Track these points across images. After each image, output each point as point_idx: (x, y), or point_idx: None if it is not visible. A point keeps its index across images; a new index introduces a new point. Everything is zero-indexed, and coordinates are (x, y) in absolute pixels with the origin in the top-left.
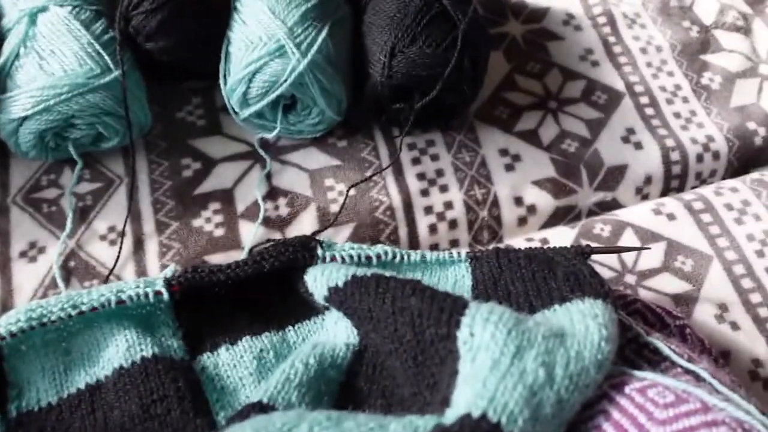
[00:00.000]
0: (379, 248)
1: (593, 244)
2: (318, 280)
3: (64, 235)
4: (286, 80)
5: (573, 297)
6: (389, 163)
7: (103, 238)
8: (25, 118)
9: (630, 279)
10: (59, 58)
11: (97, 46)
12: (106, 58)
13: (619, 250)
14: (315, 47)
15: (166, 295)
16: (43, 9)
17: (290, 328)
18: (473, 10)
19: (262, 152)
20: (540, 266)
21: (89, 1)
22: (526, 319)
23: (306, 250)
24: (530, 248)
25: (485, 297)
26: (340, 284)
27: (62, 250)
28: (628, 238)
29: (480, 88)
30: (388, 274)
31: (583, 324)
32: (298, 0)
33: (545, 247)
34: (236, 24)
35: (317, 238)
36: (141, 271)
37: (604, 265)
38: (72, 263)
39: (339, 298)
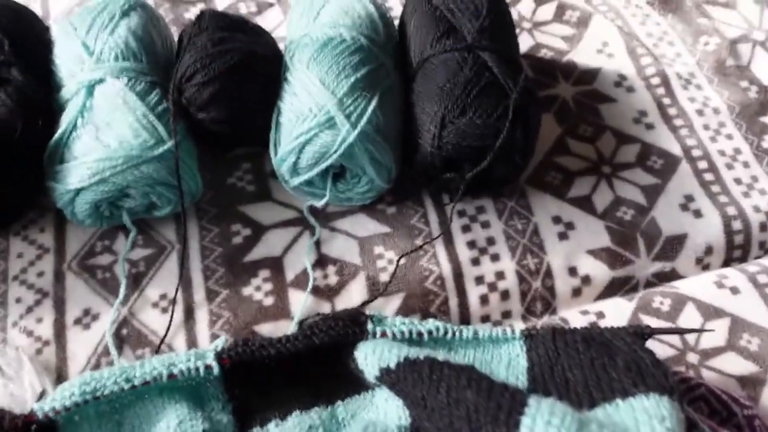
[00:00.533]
0: (431, 324)
1: (652, 321)
2: (369, 359)
3: (117, 303)
4: (336, 151)
5: (636, 391)
6: (440, 232)
7: (155, 305)
8: (81, 189)
9: (692, 358)
10: (115, 130)
11: (152, 118)
12: (160, 129)
13: (681, 332)
14: (365, 118)
15: (216, 369)
16: (100, 81)
17: (340, 403)
18: (524, 78)
19: (311, 219)
20: (599, 352)
21: (144, 72)
22: (588, 421)
23: (356, 325)
24: (587, 329)
25: (542, 383)
26: (392, 366)
27: (115, 317)
28: (690, 314)
29: (531, 157)
30: (441, 357)
31: (648, 427)
32: (347, 71)
33: (602, 326)
34: (287, 95)
35: (366, 311)
36: (191, 341)
37: (665, 342)
38: (125, 331)
39: (391, 379)
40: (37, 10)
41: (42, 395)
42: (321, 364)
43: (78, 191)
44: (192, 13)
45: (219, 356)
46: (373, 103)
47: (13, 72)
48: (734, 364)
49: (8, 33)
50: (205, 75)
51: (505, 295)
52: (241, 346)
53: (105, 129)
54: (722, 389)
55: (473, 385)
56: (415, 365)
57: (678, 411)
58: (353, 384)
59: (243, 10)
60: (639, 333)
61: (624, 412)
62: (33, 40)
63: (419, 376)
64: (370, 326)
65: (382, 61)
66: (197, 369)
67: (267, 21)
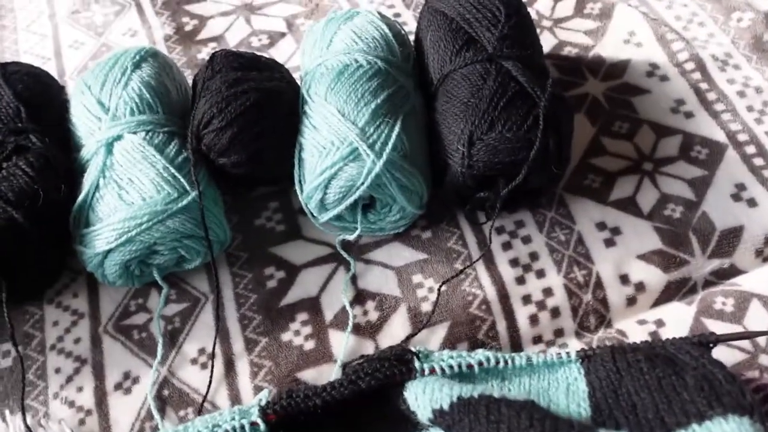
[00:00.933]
0: (480, 355)
1: (716, 324)
2: (420, 399)
3: (156, 363)
4: (363, 183)
5: (713, 413)
6: (479, 253)
7: (194, 361)
8: (109, 251)
9: (765, 360)
10: (137, 186)
11: (173, 170)
12: (182, 180)
13: (750, 336)
14: (389, 145)
15: (262, 426)
16: (119, 137)
17: None
18: (551, 83)
19: (344, 254)
20: (665, 371)
21: (162, 123)
22: None
23: (402, 364)
24: (649, 344)
25: (607, 410)
26: (446, 407)
27: (155, 378)
28: (756, 312)
29: (568, 164)
30: (497, 394)
31: None
32: (366, 97)
33: (663, 339)
34: (307, 129)
35: (411, 346)
36: (234, 395)
37: (733, 346)
38: (166, 392)
39: (446, 422)
40: (52, 68)
41: None
42: (369, 405)
43: (106, 253)
44: (205, 53)
45: (264, 412)
46: (396, 128)
47: (32, 138)
48: None
49: (25, 99)
50: (222, 119)
51: (555, 312)
52: (286, 399)
53: (128, 186)
54: None
55: (536, 426)
56: (470, 405)
57: None
58: (403, 426)
59: (255, 43)
60: (704, 342)
61: None
62: (50, 103)
63: (476, 417)
64: (417, 364)
65: (401, 82)
66: (243, 427)
67: (280, 52)
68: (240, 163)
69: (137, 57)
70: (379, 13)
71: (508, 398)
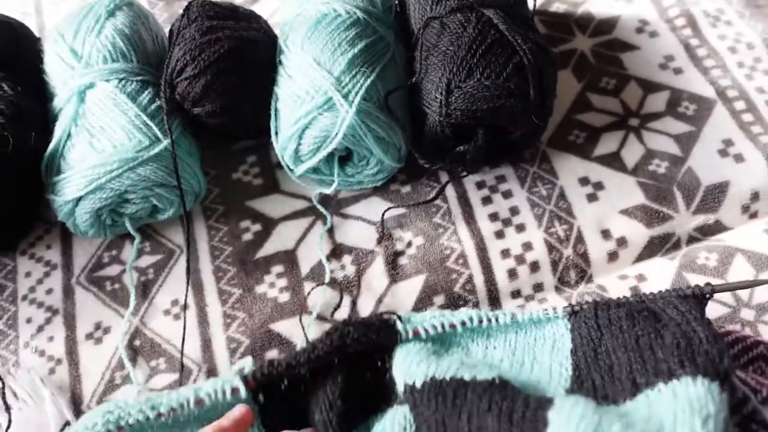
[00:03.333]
0: (463, 314)
1: (699, 278)
2: (398, 368)
3: (128, 314)
4: (337, 134)
5: (682, 373)
6: (459, 207)
7: (166, 312)
8: (80, 199)
9: (747, 314)
10: (108, 134)
11: (145, 118)
12: (155, 128)
13: (746, 285)
14: (359, 95)
15: (243, 392)
16: (91, 86)
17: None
18: (533, 31)
19: (321, 208)
20: (645, 328)
21: (135, 72)
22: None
23: (386, 328)
24: (637, 298)
25: (586, 369)
26: (418, 384)
27: (127, 328)
28: (740, 267)
29: (550, 115)
30: (468, 376)
31: (687, 427)
32: (343, 47)
33: (655, 292)
34: (282, 79)
35: (395, 312)
36: (206, 345)
37: (716, 300)
38: (137, 342)
39: (414, 399)
40: (32, 24)
41: (65, 426)
42: (352, 369)
43: (77, 201)
44: None
45: (245, 379)
46: (371, 78)
47: (4, 87)
48: None
49: None
50: (195, 67)
51: (534, 266)
52: (267, 368)
53: (99, 134)
54: None
55: (494, 409)
56: (441, 387)
57: (725, 405)
58: (381, 394)
59: (238, 0)
60: (698, 294)
61: (665, 399)
62: (24, 53)
63: (443, 399)
64: (400, 326)
65: (381, 33)
66: (224, 392)
67: (263, 8)
68: (215, 112)
69: (111, 5)
70: None
71: (478, 379)
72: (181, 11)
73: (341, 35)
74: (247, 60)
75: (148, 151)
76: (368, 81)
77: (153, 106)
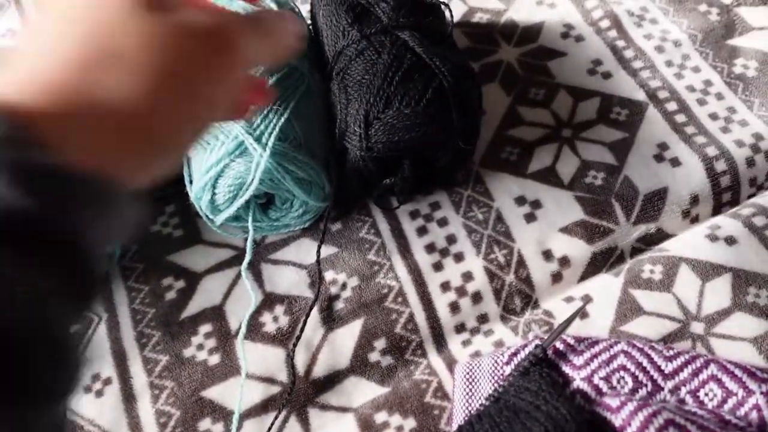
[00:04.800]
0: None
1: (644, 295)
2: None
3: None
4: (252, 180)
5: None
6: (393, 240)
7: (87, 390)
8: None
9: (697, 328)
10: None
11: None
12: None
13: (570, 320)
14: (276, 135)
15: None
16: None
17: None
18: (453, 50)
19: (246, 259)
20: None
21: None
22: None
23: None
24: (492, 398)
25: None
26: None
27: None
28: (686, 278)
29: (477, 137)
30: None
31: None
32: None
33: (503, 384)
34: None
35: (313, 350)
36: (134, 423)
37: (663, 315)
38: None
39: None
40: None
41: None
42: None
43: None
44: None
45: None
46: (285, 115)
47: None
48: (744, 326)
49: None
50: None
51: (476, 297)
52: None
53: None
54: (736, 363)
55: None
56: None
57: None
58: None
59: None
60: (536, 362)
61: None
62: None
63: None
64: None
65: (293, 64)
66: None
67: None
68: None
69: None
70: None
71: None
72: None
73: None
74: None
75: None
76: (282, 119)
77: None
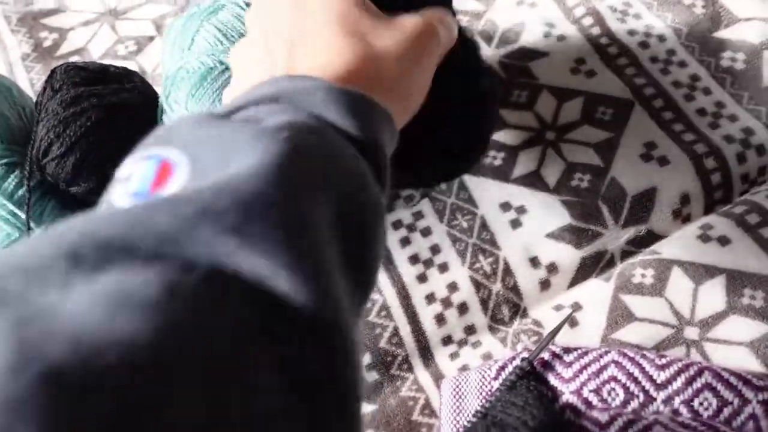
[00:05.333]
0: None
1: (636, 300)
2: None
3: None
4: None
5: None
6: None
7: None
8: None
9: (691, 333)
10: None
11: (11, 206)
12: (23, 216)
13: (555, 332)
14: None
15: None
16: None
17: None
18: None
19: None
20: None
21: None
22: None
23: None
24: (479, 415)
25: None
26: None
27: None
28: (678, 281)
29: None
30: None
31: None
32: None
33: (490, 400)
34: None
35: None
36: None
37: (655, 321)
38: None
39: None
40: None
41: None
42: None
43: None
44: None
45: None
46: None
47: None
48: (740, 329)
49: None
50: (61, 145)
51: (462, 308)
52: None
53: None
54: (731, 370)
55: None
56: None
57: None
58: None
59: (122, 51)
60: (522, 375)
61: None
62: None
63: None
64: None
65: None
66: None
67: (149, 57)
68: (93, 190)
69: None
70: (247, 5)
71: None
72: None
73: None
74: (122, 127)
75: None
76: None
77: (21, 191)
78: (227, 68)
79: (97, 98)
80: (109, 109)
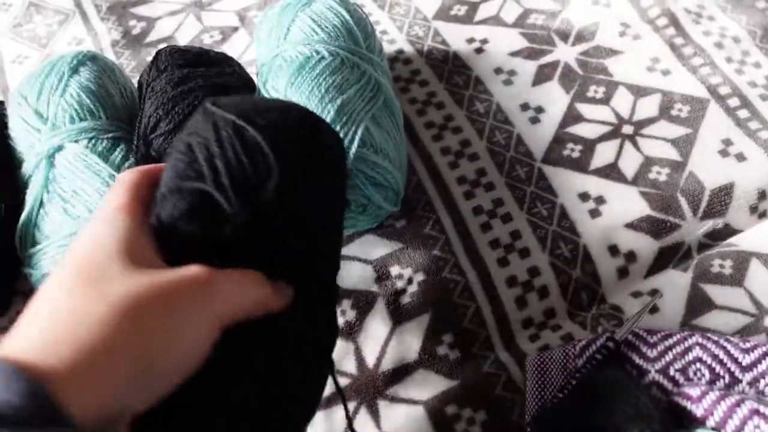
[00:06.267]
0: None
1: (716, 289)
2: None
3: None
4: None
5: None
6: (458, 237)
7: None
8: None
9: None
10: (83, 198)
11: None
12: None
13: (639, 316)
14: (356, 142)
15: None
16: (60, 148)
17: None
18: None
19: None
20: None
21: (105, 129)
22: None
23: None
24: (573, 384)
25: None
26: None
27: None
28: (757, 272)
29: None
30: None
31: None
32: (331, 92)
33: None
34: None
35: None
36: None
37: (735, 309)
38: None
39: None
40: None
41: None
42: None
43: None
44: None
45: None
46: (363, 124)
47: None
48: None
49: None
50: (169, 122)
51: (543, 292)
52: None
53: (72, 200)
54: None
55: None
56: None
57: None
58: None
59: (207, 40)
60: (608, 352)
61: None
62: None
63: None
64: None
65: (369, 73)
66: None
67: (233, 47)
68: None
69: (74, 62)
70: None
71: None
72: (149, 59)
73: (327, 80)
74: None
75: None
76: (361, 128)
77: (126, 165)
78: (323, 57)
79: (202, 79)
80: (215, 89)
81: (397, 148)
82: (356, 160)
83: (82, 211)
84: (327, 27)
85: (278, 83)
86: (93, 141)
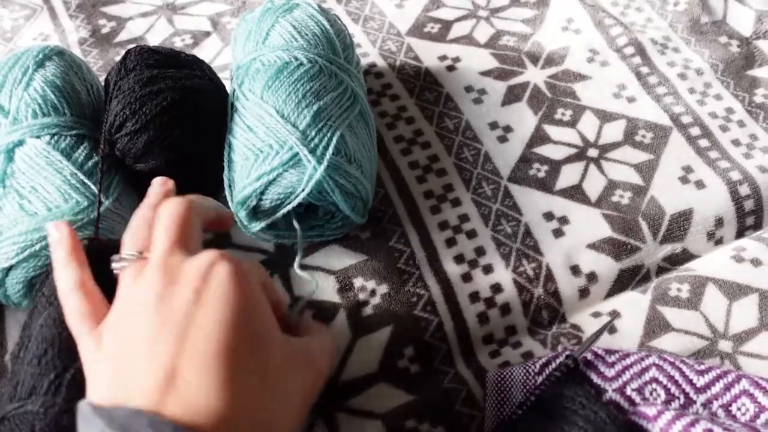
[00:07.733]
0: None
1: (673, 312)
2: None
3: None
4: (303, 190)
5: None
6: (422, 251)
7: None
8: (10, 268)
9: (725, 346)
10: (41, 195)
11: (81, 176)
12: (93, 188)
13: (599, 333)
14: (330, 150)
15: None
16: (20, 143)
17: None
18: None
19: (303, 274)
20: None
21: (68, 126)
22: None
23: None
24: (531, 400)
25: None
26: None
27: None
28: (712, 296)
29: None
30: None
31: None
32: (308, 98)
33: (534, 393)
34: (239, 129)
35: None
36: None
37: (691, 332)
38: None
39: None
40: None
41: None
42: None
43: (7, 270)
44: None
45: None
46: (339, 131)
47: None
48: None
49: None
50: (136, 122)
51: (505, 309)
52: None
53: (30, 196)
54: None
55: None
56: None
57: None
58: None
59: (178, 43)
60: (567, 369)
61: None
62: None
63: None
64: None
65: (346, 83)
66: None
67: (205, 52)
68: (158, 169)
69: (40, 55)
70: (319, 6)
71: None
72: (117, 59)
73: (305, 86)
74: (193, 111)
75: (86, 213)
76: (336, 135)
77: (90, 163)
78: (302, 64)
79: (172, 80)
80: (184, 91)
81: (369, 160)
82: (329, 168)
83: (40, 208)
84: (307, 35)
85: (255, 86)
86: (56, 137)
